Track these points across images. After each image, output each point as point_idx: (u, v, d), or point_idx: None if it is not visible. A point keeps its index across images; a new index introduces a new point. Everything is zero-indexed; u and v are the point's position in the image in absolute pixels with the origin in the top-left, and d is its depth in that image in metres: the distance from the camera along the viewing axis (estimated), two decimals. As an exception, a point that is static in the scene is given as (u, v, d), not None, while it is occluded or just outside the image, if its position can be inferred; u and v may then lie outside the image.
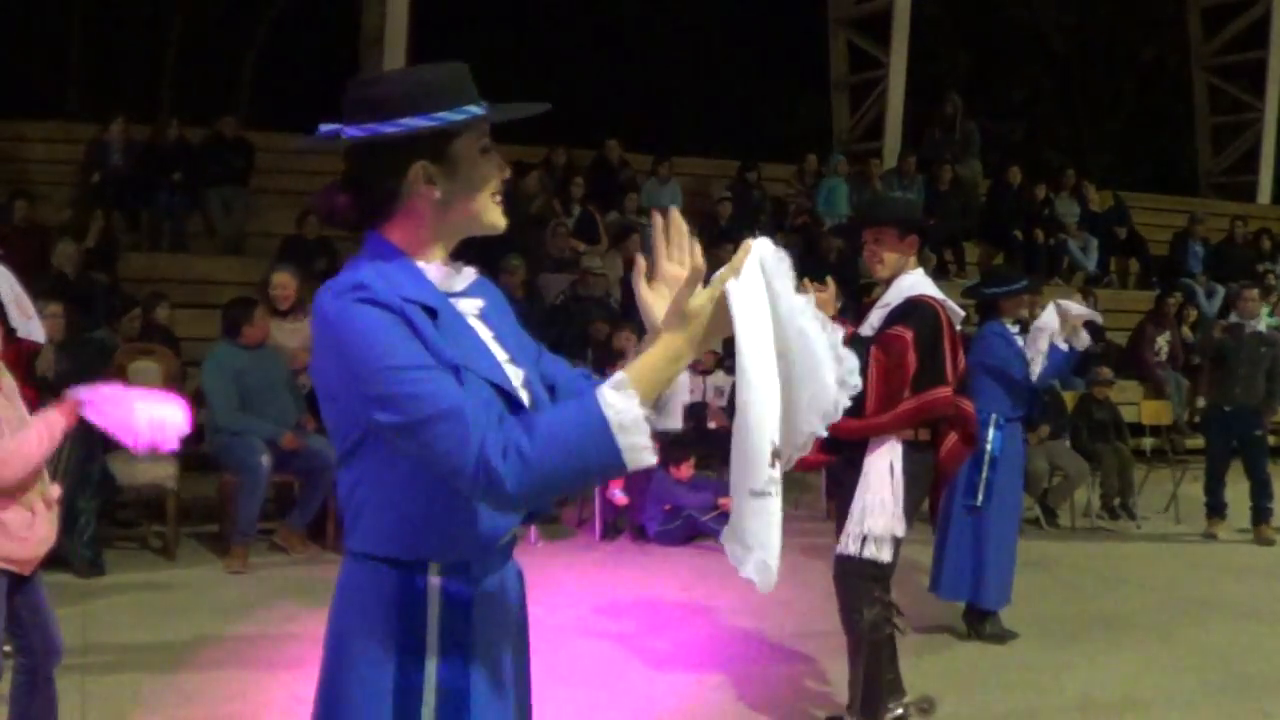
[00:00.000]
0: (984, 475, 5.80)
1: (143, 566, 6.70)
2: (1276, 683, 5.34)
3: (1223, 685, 5.29)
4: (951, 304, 4.40)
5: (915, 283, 4.37)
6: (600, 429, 1.72)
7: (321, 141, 1.98)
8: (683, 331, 1.79)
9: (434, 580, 1.92)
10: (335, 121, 1.97)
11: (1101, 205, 14.67)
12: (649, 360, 1.78)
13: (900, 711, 4.42)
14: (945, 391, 4.20)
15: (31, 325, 4.70)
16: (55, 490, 3.63)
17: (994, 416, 5.84)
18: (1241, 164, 17.65)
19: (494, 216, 1.98)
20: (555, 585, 6.23)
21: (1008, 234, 13.57)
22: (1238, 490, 8.69)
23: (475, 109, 1.92)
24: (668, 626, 5.91)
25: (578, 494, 1.69)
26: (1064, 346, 6.11)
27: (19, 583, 3.54)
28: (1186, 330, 12.64)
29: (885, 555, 4.18)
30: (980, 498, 5.79)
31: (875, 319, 4.37)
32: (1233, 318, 9.09)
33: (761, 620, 6.00)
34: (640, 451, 1.73)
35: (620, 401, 1.72)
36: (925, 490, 4.37)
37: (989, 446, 5.80)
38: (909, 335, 4.17)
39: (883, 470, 4.19)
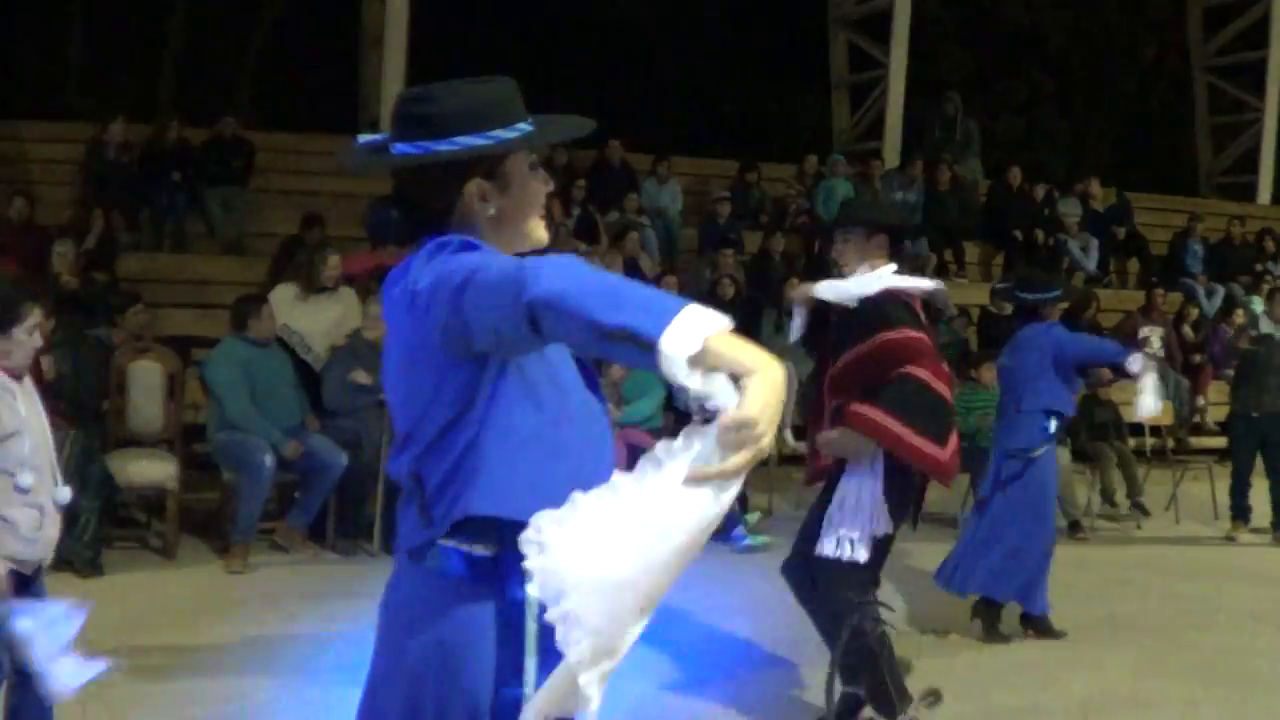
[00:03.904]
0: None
1: (143, 566, 6.70)
2: (1277, 684, 5.34)
3: (1224, 686, 5.28)
4: (917, 284, 4.35)
5: (869, 281, 4.25)
6: (673, 300, 1.61)
7: (368, 159, 1.98)
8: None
9: (534, 592, 1.91)
10: (369, 132, 1.99)
11: (1104, 202, 14.66)
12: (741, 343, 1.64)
13: (912, 714, 4.38)
14: (945, 373, 4.23)
15: None
16: (66, 493, 3.61)
17: (1053, 422, 5.91)
18: (1241, 164, 17.64)
19: (540, 233, 2.03)
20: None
21: (1008, 234, 13.57)
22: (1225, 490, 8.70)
23: (526, 126, 1.95)
24: (667, 627, 5.91)
25: (594, 339, 1.60)
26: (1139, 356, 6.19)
27: (23, 583, 3.53)
28: (1188, 330, 12.63)
29: (861, 555, 4.12)
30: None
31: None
32: (1262, 325, 9.04)
33: (761, 620, 5.99)
34: (688, 337, 1.57)
35: (700, 310, 1.61)
36: (912, 490, 4.32)
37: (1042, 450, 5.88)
38: (905, 328, 4.15)
39: (863, 470, 4.16)
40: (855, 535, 4.11)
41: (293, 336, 7.81)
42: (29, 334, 3.48)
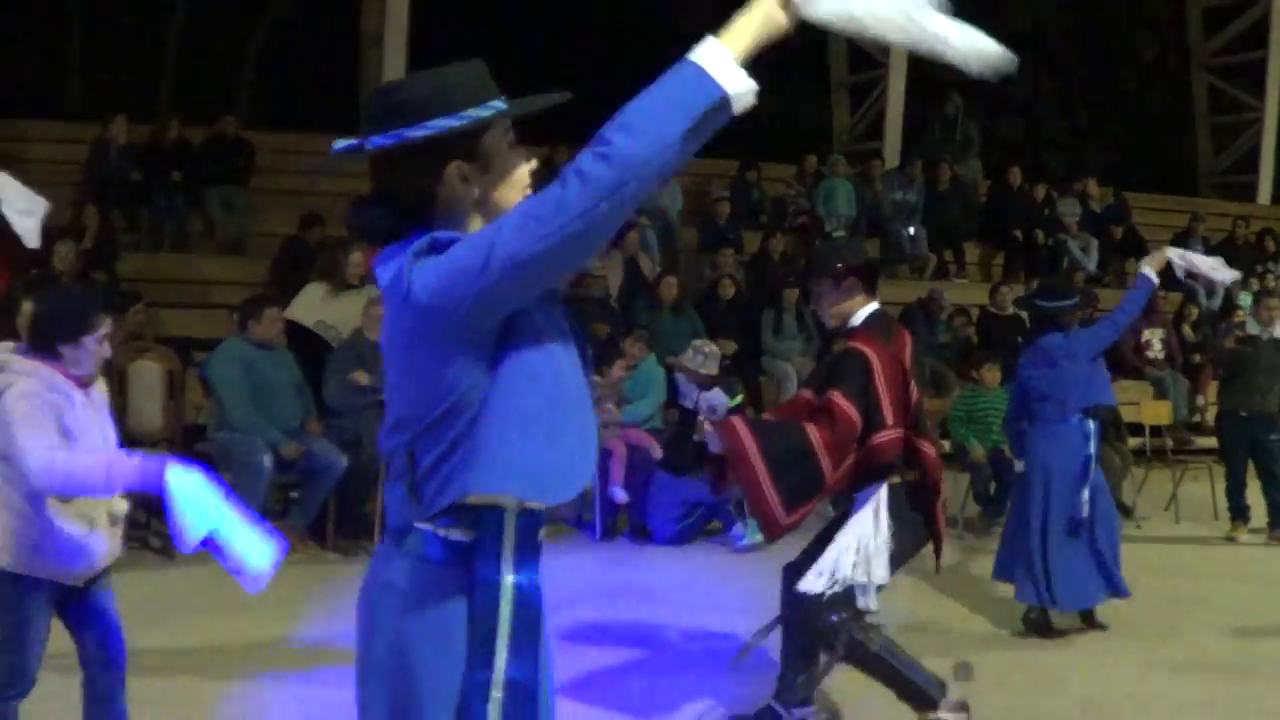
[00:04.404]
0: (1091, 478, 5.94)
1: (143, 566, 6.70)
2: (1276, 684, 5.34)
3: (1223, 686, 5.29)
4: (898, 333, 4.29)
5: (854, 328, 4.24)
6: (683, 66, 1.78)
7: (345, 157, 1.97)
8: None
9: (508, 576, 1.94)
10: (348, 136, 1.98)
11: (1101, 202, 14.66)
12: (738, 22, 1.85)
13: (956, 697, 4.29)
14: (888, 435, 4.06)
15: (27, 223, 4.60)
16: (123, 506, 3.57)
17: (1092, 424, 5.97)
18: (1241, 164, 17.64)
19: None
20: (555, 585, 6.22)
21: (1008, 234, 13.57)
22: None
23: (500, 104, 1.94)
24: (668, 626, 5.91)
25: (681, 148, 1.75)
26: (1154, 278, 6.14)
27: (74, 593, 3.49)
28: (1188, 329, 12.64)
29: (860, 600, 4.08)
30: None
31: None
32: (1249, 326, 9.08)
33: (762, 620, 5.99)
34: (731, 72, 1.78)
35: (702, 47, 1.79)
36: (921, 532, 4.26)
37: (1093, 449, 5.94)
38: (836, 397, 4.04)
39: (867, 513, 4.11)
40: (849, 581, 4.07)
41: (329, 332, 7.98)
42: (99, 343, 3.46)
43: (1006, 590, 6.16)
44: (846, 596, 4.12)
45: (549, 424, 1.91)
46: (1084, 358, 6.03)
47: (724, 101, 1.77)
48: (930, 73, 18.09)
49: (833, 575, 4.08)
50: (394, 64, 12.18)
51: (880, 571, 4.08)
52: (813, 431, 4.02)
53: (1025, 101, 22.90)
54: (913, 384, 4.21)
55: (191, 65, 18.72)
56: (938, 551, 4.47)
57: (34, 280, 8.22)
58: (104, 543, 3.51)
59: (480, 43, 18.63)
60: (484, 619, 1.92)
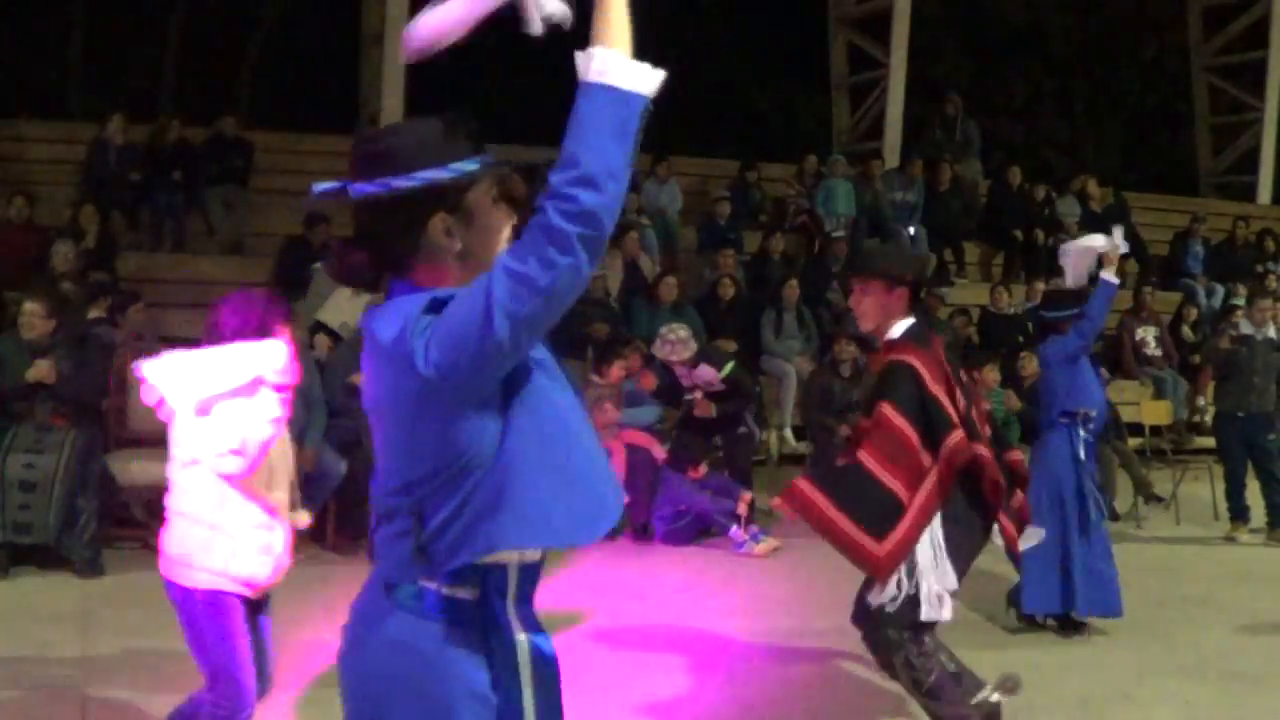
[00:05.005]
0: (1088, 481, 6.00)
1: (143, 566, 6.66)
2: (1276, 684, 5.34)
3: (1222, 686, 5.29)
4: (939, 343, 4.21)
5: (894, 340, 4.16)
6: (597, 94, 1.80)
7: (327, 199, 1.98)
8: None
9: (520, 635, 1.93)
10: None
11: (1101, 203, 14.65)
12: (602, 19, 1.89)
13: (994, 698, 4.19)
14: (956, 436, 3.98)
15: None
16: (304, 518, 3.61)
17: (1079, 426, 6.01)
18: (1241, 164, 17.64)
19: None
20: (554, 585, 6.23)
21: (1008, 234, 13.57)
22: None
23: (486, 158, 1.95)
24: (668, 626, 5.91)
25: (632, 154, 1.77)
26: (1114, 279, 6.36)
27: (249, 606, 3.50)
28: (1187, 330, 12.63)
29: (932, 614, 3.99)
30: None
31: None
32: (1242, 327, 9.11)
33: (761, 620, 6.00)
34: (638, 73, 1.84)
35: (592, 60, 1.83)
36: (978, 530, 4.14)
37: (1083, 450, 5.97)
38: (884, 408, 4.01)
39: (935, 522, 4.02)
40: (910, 589, 3.99)
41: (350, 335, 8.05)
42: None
43: (1004, 589, 6.16)
44: (909, 612, 4.01)
45: (567, 466, 1.89)
46: (1055, 364, 6.12)
47: (639, 99, 1.83)
48: (930, 73, 18.15)
49: (897, 586, 4.00)
50: (394, 64, 12.16)
51: (949, 579, 4.00)
52: (864, 454, 4.00)
53: (1025, 101, 22.92)
54: (958, 390, 4.10)
55: (191, 65, 18.71)
56: (1011, 550, 4.25)
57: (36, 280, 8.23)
58: (284, 555, 3.53)
59: (479, 43, 18.61)
60: (508, 681, 1.92)
